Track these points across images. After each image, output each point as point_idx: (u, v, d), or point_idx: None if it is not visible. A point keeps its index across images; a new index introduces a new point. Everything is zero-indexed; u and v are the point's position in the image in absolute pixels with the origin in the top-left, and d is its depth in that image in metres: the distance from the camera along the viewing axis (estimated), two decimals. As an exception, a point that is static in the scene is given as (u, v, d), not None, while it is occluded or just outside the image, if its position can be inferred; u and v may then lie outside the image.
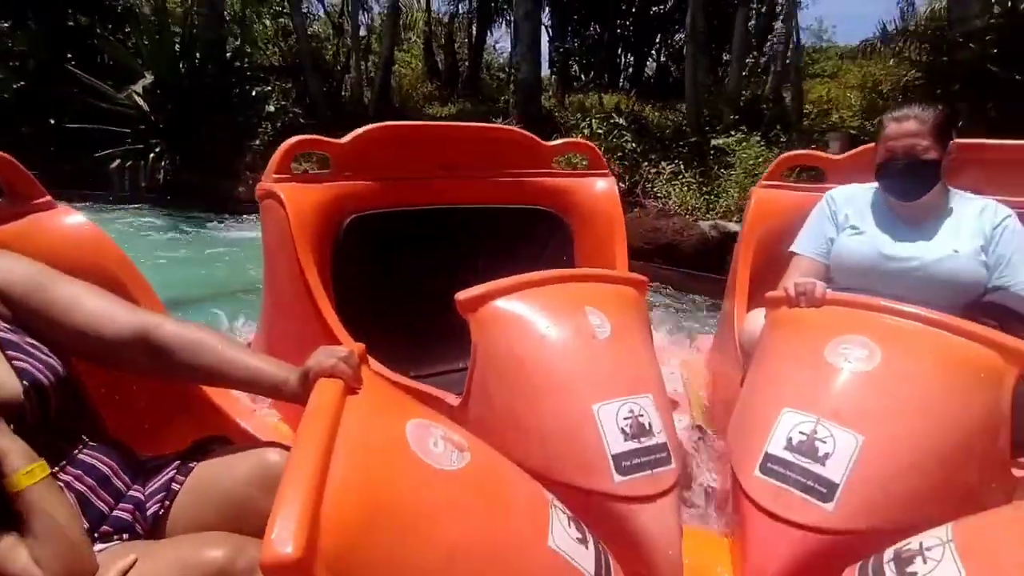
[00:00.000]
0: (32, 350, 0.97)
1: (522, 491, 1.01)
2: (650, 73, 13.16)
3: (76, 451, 0.99)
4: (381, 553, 0.77)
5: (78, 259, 1.24)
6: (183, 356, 1.01)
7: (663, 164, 6.60)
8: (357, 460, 0.83)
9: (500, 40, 16.99)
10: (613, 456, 1.25)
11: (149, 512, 1.00)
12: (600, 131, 7.29)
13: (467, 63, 12.58)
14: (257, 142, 8.53)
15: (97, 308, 1.02)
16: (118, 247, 1.36)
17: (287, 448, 1.00)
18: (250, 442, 1.08)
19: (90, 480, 0.98)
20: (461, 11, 13.13)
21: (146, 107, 8.33)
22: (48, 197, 1.31)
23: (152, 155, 8.18)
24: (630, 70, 13.13)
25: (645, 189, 6.36)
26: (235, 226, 6.88)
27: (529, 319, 1.40)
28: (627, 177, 6.44)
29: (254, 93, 9.29)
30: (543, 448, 1.27)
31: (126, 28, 9.49)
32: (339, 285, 1.86)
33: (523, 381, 1.35)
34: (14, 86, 8.64)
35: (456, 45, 13.03)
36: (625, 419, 1.30)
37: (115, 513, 0.98)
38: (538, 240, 2.22)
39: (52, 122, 8.42)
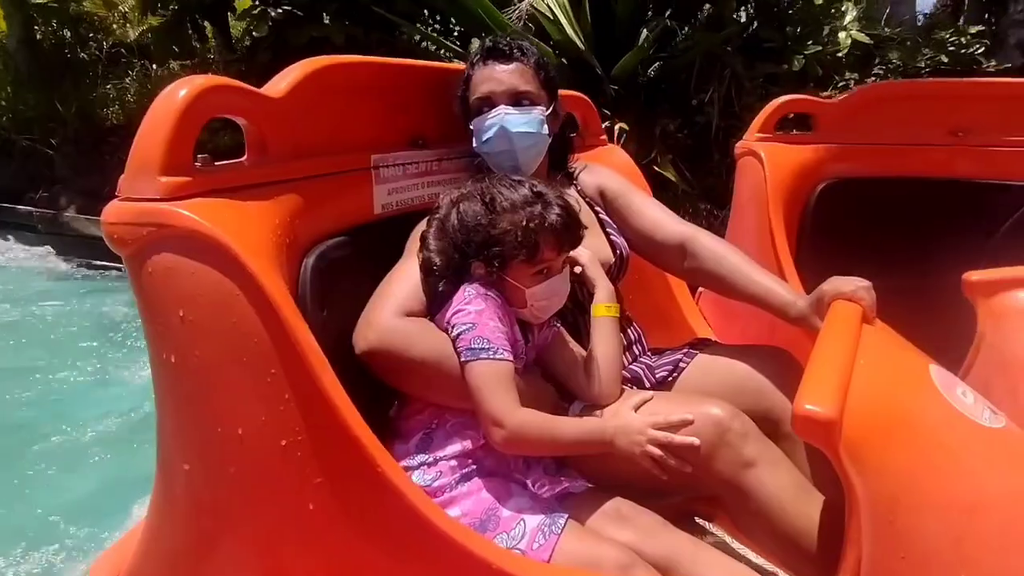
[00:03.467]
0: (616, 232, 1.30)
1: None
2: None
3: None
4: (895, 466, 0.76)
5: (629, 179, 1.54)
6: (708, 264, 1.22)
7: None
8: (878, 377, 0.83)
9: None
10: None
11: (657, 375, 1.22)
12: None
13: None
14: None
15: (655, 216, 1.30)
16: (639, 172, 1.73)
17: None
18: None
19: None
20: None
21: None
22: (604, 136, 1.70)
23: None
24: None
25: None
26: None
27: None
28: None
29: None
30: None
31: None
32: (803, 252, 1.82)
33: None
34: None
35: None
36: None
37: (631, 366, 1.23)
38: None
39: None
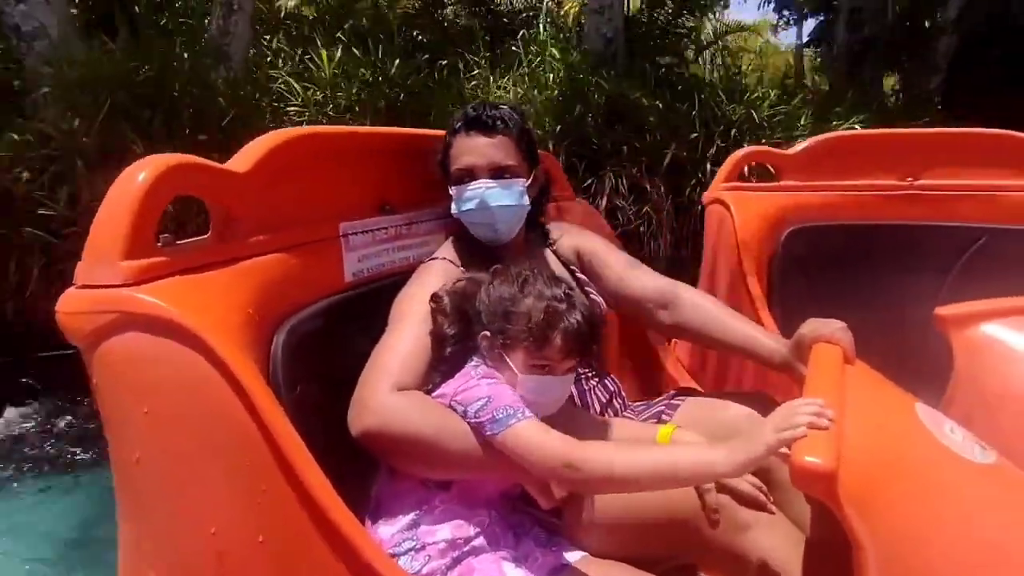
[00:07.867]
0: (594, 291, 1.29)
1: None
2: None
3: (592, 370, 1.26)
4: (897, 511, 0.74)
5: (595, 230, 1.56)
6: (690, 318, 1.21)
7: None
8: (868, 421, 0.83)
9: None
10: None
11: None
12: None
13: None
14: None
15: (631, 272, 1.31)
16: (605, 223, 1.81)
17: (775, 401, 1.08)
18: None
19: (599, 395, 1.23)
20: None
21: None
22: (570, 191, 1.74)
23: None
24: None
25: None
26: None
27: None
28: None
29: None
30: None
31: None
32: (775, 296, 1.86)
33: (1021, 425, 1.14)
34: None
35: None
36: None
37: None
38: None
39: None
